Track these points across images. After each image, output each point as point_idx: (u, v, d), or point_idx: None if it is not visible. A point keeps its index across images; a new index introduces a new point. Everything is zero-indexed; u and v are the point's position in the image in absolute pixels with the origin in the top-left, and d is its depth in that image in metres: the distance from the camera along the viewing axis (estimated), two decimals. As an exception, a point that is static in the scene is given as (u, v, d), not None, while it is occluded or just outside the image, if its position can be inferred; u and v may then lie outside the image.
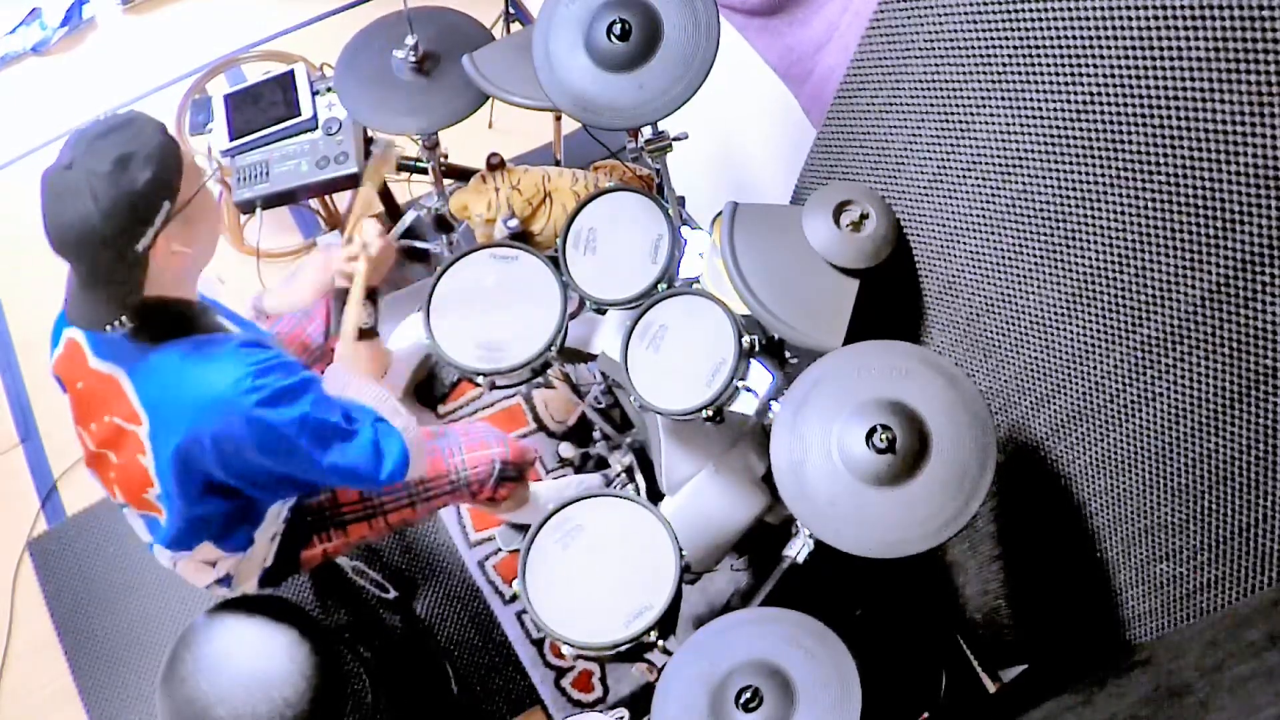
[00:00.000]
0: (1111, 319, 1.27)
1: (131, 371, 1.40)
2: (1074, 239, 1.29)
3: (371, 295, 1.63)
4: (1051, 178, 1.28)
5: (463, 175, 2.29)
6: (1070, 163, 1.24)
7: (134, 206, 1.24)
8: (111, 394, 1.42)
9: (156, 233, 1.27)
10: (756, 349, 1.61)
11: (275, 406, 1.35)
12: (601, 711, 2.01)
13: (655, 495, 2.06)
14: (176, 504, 1.46)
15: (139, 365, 1.38)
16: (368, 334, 1.62)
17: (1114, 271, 1.24)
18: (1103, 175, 1.19)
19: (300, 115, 2.14)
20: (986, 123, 1.36)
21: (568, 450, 2.44)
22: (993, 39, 1.29)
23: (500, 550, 2.36)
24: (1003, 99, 1.31)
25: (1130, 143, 1.13)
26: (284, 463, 1.43)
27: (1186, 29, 1.00)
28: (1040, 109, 1.25)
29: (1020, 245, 1.40)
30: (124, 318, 1.31)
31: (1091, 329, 1.32)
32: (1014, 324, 1.48)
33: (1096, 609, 1.52)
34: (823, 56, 1.75)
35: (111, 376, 1.41)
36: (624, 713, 1.59)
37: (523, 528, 2.30)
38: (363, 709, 2.02)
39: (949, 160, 1.48)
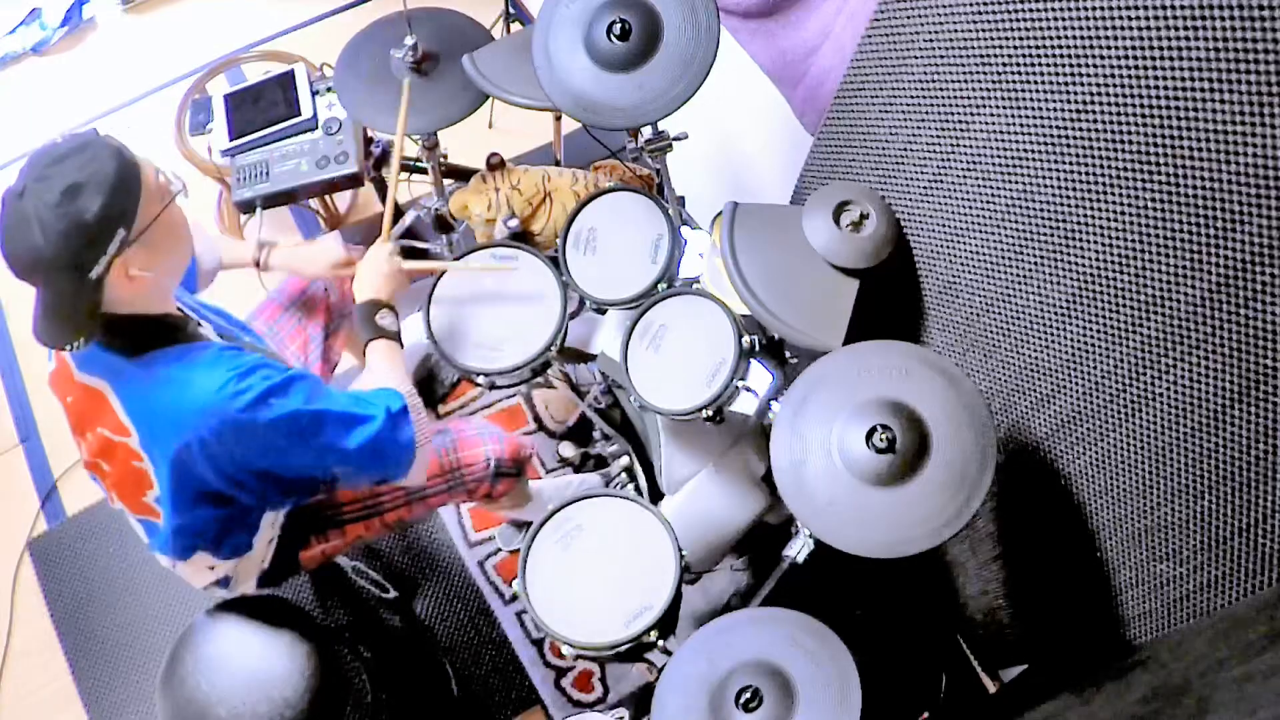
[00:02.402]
0: (1111, 319, 1.27)
1: (115, 384, 1.39)
2: (1074, 239, 1.29)
3: (389, 306, 1.66)
4: (1051, 178, 1.28)
5: (463, 175, 2.29)
6: (1070, 163, 1.24)
7: (82, 237, 1.20)
8: (98, 407, 1.41)
9: (110, 260, 1.24)
10: (756, 349, 1.61)
11: (262, 407, 1.34)
12: (601, 711, 2.01)
13: (655, 495, 2.06)
14: (171, 508, 1.46)
15: (122, 378, 1.38)
16: (390, 337, 1.63)
17: (1114, 271, 1.24)
18: (1103, 175, 1.19)
19: (300, 115, 2.14)
20: (986, 123, 1.36)
21: (568, 450, 2.44)
22: (993, 39, 1.29)
23: (500, 550, 2.36)
24: (1003, 99, 1.31)
25: (1130, 143, 1.13)
26: (279, 460, 1.42)
27: (1186, 29, 1.00)
28: (1040, 109, 1.25)
29: (1020, 245, 1.40)
30: (83, 339, 1.30)
31: (1091, 329, 1.32)
32: (1014, 324, 1.48)
33: (1096, 609, 1.52)
34: (816, 59, 1.75)
35: (97, 390, 1.41)
36: (624, 713, 1.59)
37: (523, 527, 2.30)
38: (363, 709, 2.02)
39: (949, 160, 1.48)
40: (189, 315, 1.47)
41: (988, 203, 1.43)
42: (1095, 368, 1.34)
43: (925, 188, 1.56)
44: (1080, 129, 1.20)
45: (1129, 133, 1.12)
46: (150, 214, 1.28)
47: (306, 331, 1.90)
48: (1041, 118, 1.26)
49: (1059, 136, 1.24)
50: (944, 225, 1.55)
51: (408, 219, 2.40)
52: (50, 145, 1.26)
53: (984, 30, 1.30)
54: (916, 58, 1.46)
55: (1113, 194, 1.19)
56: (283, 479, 1.51)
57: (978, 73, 1.34)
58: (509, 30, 2.79)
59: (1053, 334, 1.41)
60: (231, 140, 2.14)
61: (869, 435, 1.34)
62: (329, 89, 2.19)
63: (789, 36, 1.79)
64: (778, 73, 1.89)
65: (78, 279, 1.23)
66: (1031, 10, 1.20)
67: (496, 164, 2.12)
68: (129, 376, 1.37)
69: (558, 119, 2.52)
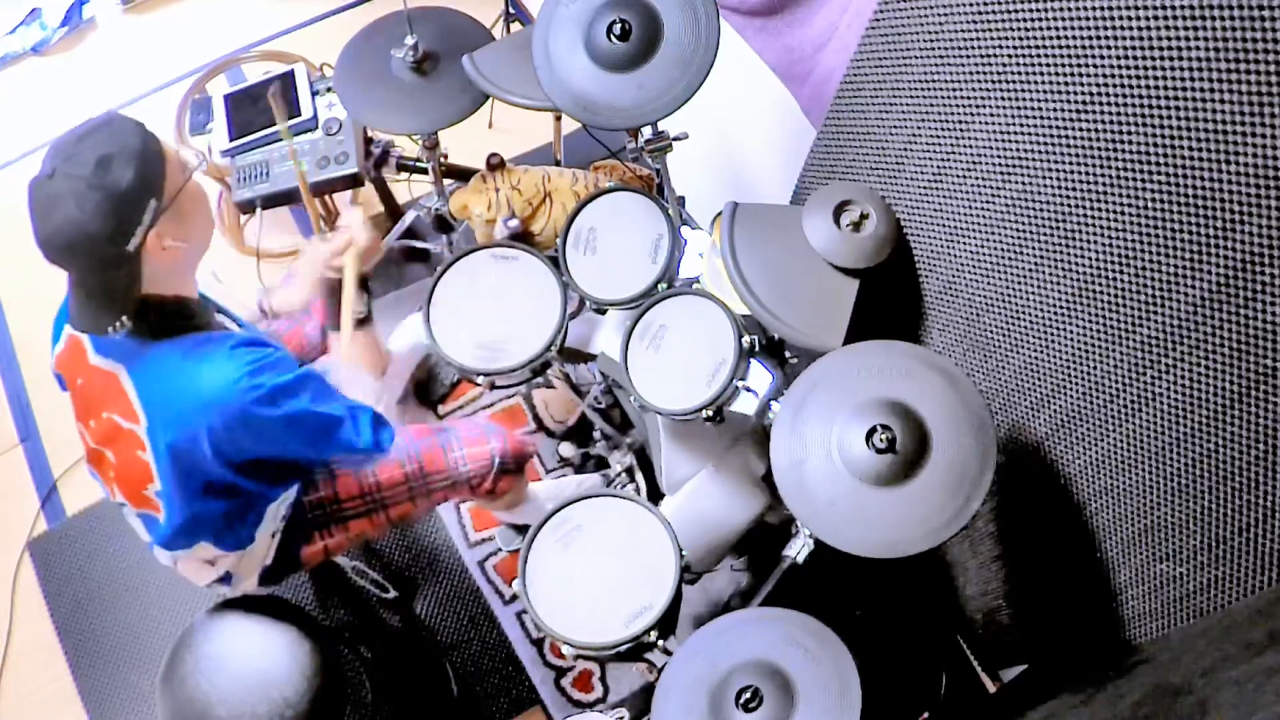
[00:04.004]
0: (1111, 319, 1.27)
1: (131, 369, 1.40)
2: (1074, 239, 1.29)
3: (364, 284, 1.64)
4: (1051, 178, 1.28)
5: (463, 175, 2.29)
6: (1070, 163, 1.24)
7: (120, 208, 1.23)
8: (110, 391, 1.42)
9: (146, 231, 1.27)
10: (756, 349, 1.61)
11: (271, 404, 1.36)
12: (601, 711, 2.01)
13: (655, 495, 2.05)
14: (175, 501, 1.47)
15: (138, 363, 1.39)
16: (362, 322, 1.63)
17: (1114, 271, 1.24)
18: (1103, 175, 1.19)
19: (300, 115, 2.14)
20: (986, 123, 1.36)
21: (568, 450, 2.44)
22: (993, 39, 1.29)
23: (500, 550, 2.36)
24: (1003, 99, 1.31)
25: (1130, 143, 1.13)
26: (284, 450, 1.45)
27: (1186, 29, 1.00)
28: (1040, 109, 1.25)
29: (1020, 245, 1.40)
30: (124, 319, 1.31)
31: (1091, 329, 1.32)
32: (1014, 324, 1.48)
33: (1096, 609, 1.52)
34: (822, 57, 1.75)
35: (111, 373, 1.42)
36: (624, 713, 1.59)
37: (523, 528, 2.30)
38: (363, 709, 2.02)
39: (949, 160, 1.48)
40: (210, 303, 1.49)
41: (988, 203, 1.43)
42: (1095, 368, 1.34)
43: (925, 188, 1.56)
44: (1080, 129, 1.20)
45: (1129, 133, 1.12)
46: (176, 182, 1.31)
47: (303, 331, 1.91)
48: (1041, 118, 1.26)
49: (1059, 136, 1.24)
50: (944, 225, 1.55)
51: (408, 219, 2.40)
52: (70, 130, 1.28)
53: (984, 30, 1.30)
54: (916, 58, 1.46)
55: (1113, 194, 1.19)
56: (284, 463, 1.53)
57: (978, 73, 1.34)
58: (509, 30, 2.79)
59: (1053, 334, 1.41)
60: (231, 140, 2.14)
61: (869, 435, 1.34)
62: (329, 89, 2.19)
63: (794, 34, 1.79)
64: (784, 70, 1.89)
65: (117, 252, 1.26)
66: (1031, 10, 1.20)
67: (496, 164, 2.12)
68: (145, 361, 1.38)
69: (558, 119, 2.52)
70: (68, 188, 1.21)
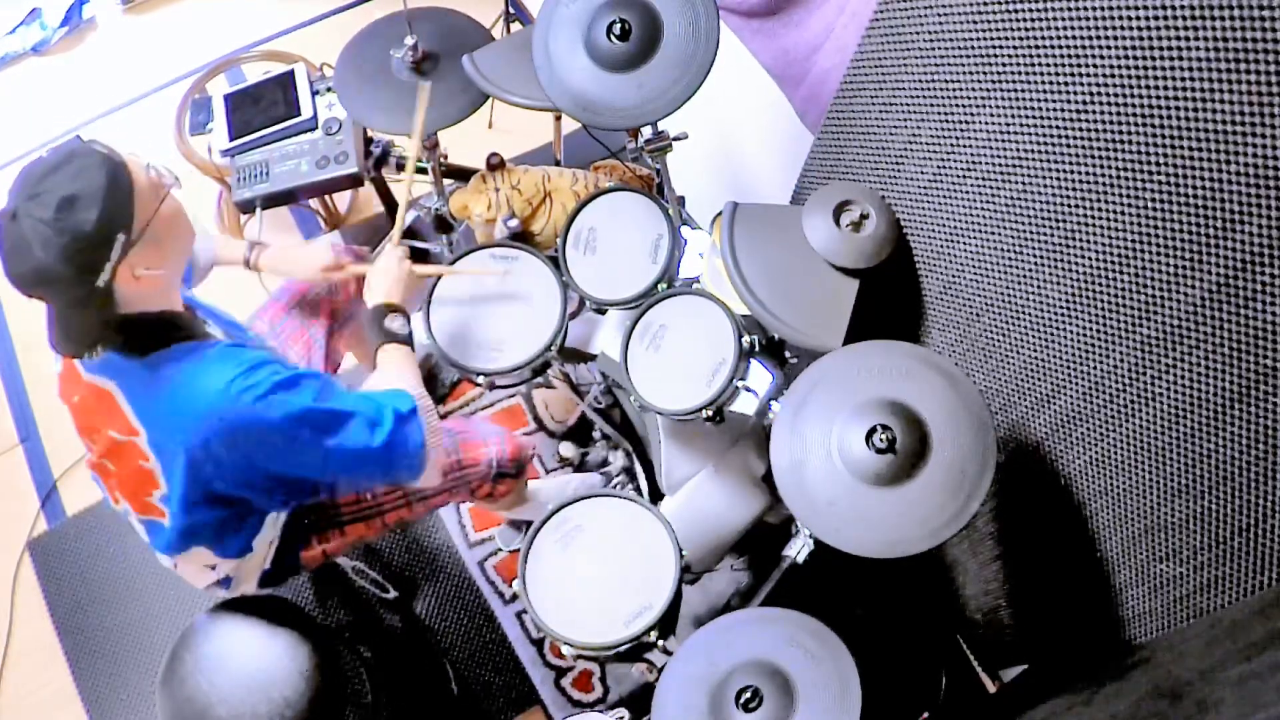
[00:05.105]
0: (1111, 319, 1.27)
1: (123, 385, 1.39)
2: (1074, 239, 1.29)
3: (401, 310, 1.64)
4: (1051, 178, 1.28)
5: (463, 175, 2.29)
6: (1070, 163, 1.24)
7: (85, 250, 1.20)
8: (106, 407, 1.41)
9: (116, 265, 1.24)
10: (756, 349, 1.61)
11: (271, 403, 1.34)
12: (601, 711, 2.01)
13: (655, 495, 2.06)
14: (176, 508, 1.46)
15: (129, 378, 1.38)
16: (401, 341, 1.62)
17: (1114, 271, 1.24)
18: (1103, 175, 1.19)
19: (300, 115, 2.14)
20: (986, 123, 1.36)
21: (568, 450, 2.44)
22: (993, 39, 1.29)
23: (500, 550, 2.36)
24: (1003, 99, 1.31)
25: (1130, 143, 1.13)
26: (288, 460, 1.42)
27: (1186, 29, 1.00)
28: (1040, 109, 1.25)
29: (1020, 245, 1.40)
30: (99, 347, 1.31)
31: (1091, 329, 1.32)
32: (1014, 324, 1.48)
33: (1096, 609, 1.52)
34: (819, 58, 1.75)
35: (105, 390, 1.41)
36: (624, 713, 1.59)
37: (523, 527, 2.30)
38: (363, 709, 2.02)
39: (949, 160, 1.48)
40: (195, 311, 1.47)
41: (988, 203, 1.43)
42: (1095, 368, 1.34)
43: (925, 188, 1.56)
44: (1080, 129, 1.20)
45: (1129, 133, 1.12)
46: (147, 212, 1.28)
47: (309, 332, 1.90)
48: (1041, 118, 1.26)
49: (1059, 136, 1.24)
50: (944, 225, 1.55)
51: (408, 219, 2.40)
52: (36, 162, 1.25)
53: (984, 30, 1.30)
54: (916, 58, 1.46)
55: (1113, 194, 1.19)
56: (289, 480, 1.51)
57: (978, 73, 1.34)
58: (509, 30, 2.79)
59: (1053, 334, 1.41)
60: (231, 140, 2.14)
61: (869, 435, 1.34)
62: (329, 89, 2.19)
63: (791, 35, 1.79)
64: (780, 72, 1.89)
65: (86, 289, 1.24)
66: (1031, 10, 1.20)
67: (496, 164, 2.12)
68: (137, 376, 1.37)
69: (558, 119, 2.52)
70: (31, 230, 1.18)
